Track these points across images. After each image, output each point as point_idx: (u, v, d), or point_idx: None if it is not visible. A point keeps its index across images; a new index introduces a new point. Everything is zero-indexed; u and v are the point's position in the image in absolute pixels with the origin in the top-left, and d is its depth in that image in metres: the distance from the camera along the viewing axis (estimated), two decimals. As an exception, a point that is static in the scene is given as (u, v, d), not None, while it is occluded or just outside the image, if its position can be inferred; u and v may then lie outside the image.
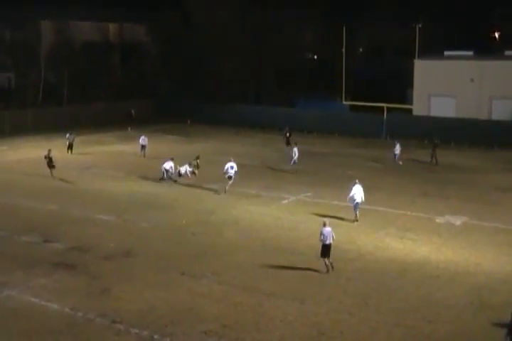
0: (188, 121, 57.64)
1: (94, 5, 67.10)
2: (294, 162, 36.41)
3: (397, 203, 29.59)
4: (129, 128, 53.24)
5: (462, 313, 17.66)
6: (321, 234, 20.53)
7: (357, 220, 26.48)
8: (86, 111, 57.04)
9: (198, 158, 35.73)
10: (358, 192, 26.29)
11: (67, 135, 42.09)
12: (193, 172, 34.17)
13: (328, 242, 20.43)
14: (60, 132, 50.09)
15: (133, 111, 57.69)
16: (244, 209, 28.60)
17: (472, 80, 51.15)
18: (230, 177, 31.07)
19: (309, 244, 23.29)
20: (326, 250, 20.47)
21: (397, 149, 39.33)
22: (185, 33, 64.51)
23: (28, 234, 24.52)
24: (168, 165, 33.34)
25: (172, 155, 34.63)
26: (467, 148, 45.73)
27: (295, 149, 36.61)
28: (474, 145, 45.88)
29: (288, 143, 43.33)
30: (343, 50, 53.94)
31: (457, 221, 26.68)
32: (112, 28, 69.60)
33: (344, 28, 52.80)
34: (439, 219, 26.94)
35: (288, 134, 44.39)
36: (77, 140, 45.96)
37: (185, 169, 33.82)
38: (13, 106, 55.52)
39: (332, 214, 27.55)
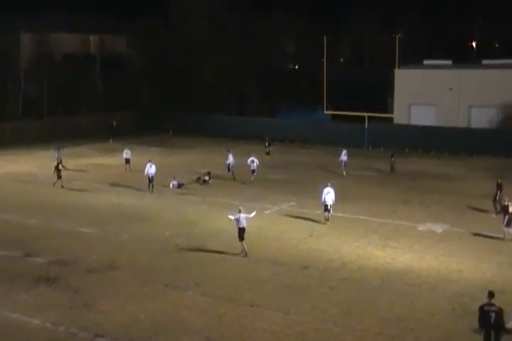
0: (171, 133, 57.58)
1: (74, 16, 66.93)
2: (254, 171, 36.62)
3: (379, 211, 29.74)
4: (111, 141, 53.07)
5: (444, 320, 17.76)
6: (237, 219, 23.12)
7: (328, 220, 27.71)
8: (67, 123, 56.76)
9: (209, 173, 36.23)
10: (328, 195, 27.66)
11: (56, 152, 39.47)
12: (179, 186, 34.25)
13: (241, 226, 23.00)
14: (40, 145, 49.98)
15: (114, 123, 57.50)
16: (226, 220, 28.49)
17: (451, 89, 51.68)
18: (253, 171, 35.32)
19: (292, 254, 23.36)
20: (241, 233, 23.02)
21: (343, 155, 39.20)
22: (166, 44, 64.57)
23: (8, 248, 24.27)
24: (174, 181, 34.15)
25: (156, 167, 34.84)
26: (447, 155, 46.14)
27: (252, 160, 36.75)
28: (454, 153, 46.30)
29: (268, 153, 43.61)
30: (324, 60, 54.30)
31: (438, 228, 26.87)
32: (93, 39, 69.45)
33: (325, 38, 53.18)
34: (420, 227, 27.12)
35: (268, 144, 44.60)
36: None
37: (173, 183, 34.11)
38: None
39: (314, 224, 27.67)
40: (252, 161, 36.34)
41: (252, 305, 18.81)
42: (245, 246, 23.11)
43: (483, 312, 14.83)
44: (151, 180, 34.19)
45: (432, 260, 22.84)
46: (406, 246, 24.51)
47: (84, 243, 25.16)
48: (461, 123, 50.63)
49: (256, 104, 66.17)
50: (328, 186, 28.23)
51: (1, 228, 27.43)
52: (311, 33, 68.90)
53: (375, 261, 22.72)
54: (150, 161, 34.98)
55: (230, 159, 37.86)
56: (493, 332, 14.84)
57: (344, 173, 38.90)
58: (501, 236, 25.03)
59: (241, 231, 23.08)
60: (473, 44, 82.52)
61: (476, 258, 23.06)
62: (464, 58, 64.75)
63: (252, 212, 23.84)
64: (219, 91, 63.40)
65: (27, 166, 42.52)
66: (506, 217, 24.82)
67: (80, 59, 63.46)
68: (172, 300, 19.31)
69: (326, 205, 27.78)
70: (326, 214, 27.90)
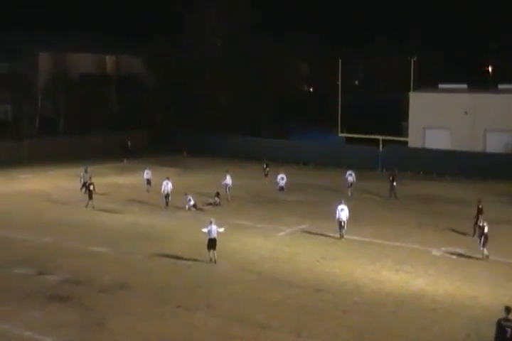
0: (185, 153, 57.78)
1: (90, 37, 67.78)
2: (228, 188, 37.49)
3: (393, 235, 29.55)
4: (125, 160, 53.31)
5: (460, 347, 17.52)
6: (209, 231, 24.54)
7: (342, 237, 28.46)
8: (82, 142, 57.24)
9: (218, 194, 36.17)
10: (342, 212, 28.47)
11: (82, 173, 38.75)
12: (193, 206, 34.34)
13: (212, 237, 24.40)
14: (55, 164, 50.34)
15: (129, 143, 57.86)
16: (239, 241, 28.50)
17: (466, 113, 51.60)
18: (281, 188, 35.09)
19: (305, 277, 23.21)
20: (211, 243, 24.49)
21: (348, 175, 39.41)
22: (182, 65, 65.09)
23: (21, 267, 24.33)
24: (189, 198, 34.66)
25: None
26: (462, 180, 45.85)
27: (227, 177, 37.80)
28: (469, 177, 45.99)
29: (266, 175, 44.06)
30: (339, 82, 54.46)
31: (453, 253, 26.60)
32: (109, 59, 70.21)
33: (340, 60, 53.38)
34: (435, 252, 26.88)
35: (266, 166, 44.71)
36: (72, 172, 45.98)
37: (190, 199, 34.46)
38: (9, 138, 55.65)
39: (328, 247, 27.52)
40: (282, 178, 37.45)
41: (263, 327, 18.67)
42: (215, 255, 24.66)
43: (500, 327, 14.98)
44: (167, 196, 35.15)
45: (447, 285, 22.61)
46: (420, 270, 24.29)
47: (97, 262, 25.17)
48: (477, 148, 50.42)
49: (270, 126, 66.34)
50: (342, 203, 29.02)
51: (16, 246, 27.52)
52: (325, 55, 69.32)
53: (389, 285, 22.52)
54: (167, 178, 35.82)
55: (228, 180, 38.00)
56: None
57: (349, 193, 38.99)
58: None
59: (211, 241, 24.61)
60: (489, 68, 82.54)
61: (492, 284, 22.79)
62: (479, 82, 64.67)
63: (222, 227, 25.36)
64: (232, 113, 63.69)
65: (42, 185, 42.75)
66: (482, 238, 25.53)
67: (96, 78, 64.16)
68: (183, 321, 19.21)
69: (340, 222, 28.56)
70: (341, 231, 28.60)
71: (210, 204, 35.84)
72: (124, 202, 36.68)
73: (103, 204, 35.98)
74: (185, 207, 34.38)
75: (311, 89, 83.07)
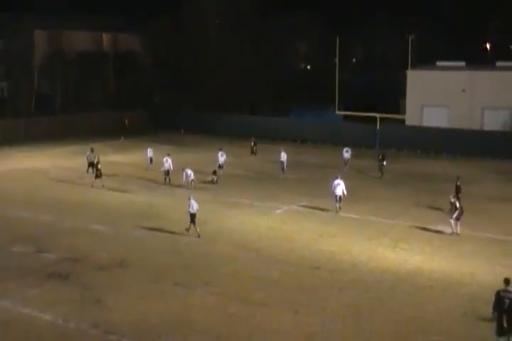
0: (182, 131, 57.66)
1: (87, 14, 67.21)
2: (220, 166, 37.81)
3: (390, 213, 29.64)
4: (122, 138, 53.20)
5: (456, 324, 17.67)
6: (189, 205, 25.45)
7: (339, 209, 29.14)
8: (79, 120, 57.04)
9: (215, 172, 36.25)
10: (338, 186, 29.07)
11: (88, 153, 38.51)
12: (192, 181, 34.34)
13: (192, 211, 25.26)
14: (53, 142, 50.26)
15: (126, 121, 57.69)
16: (237, 219, 28.58)
17: (464, 90, 51.44)
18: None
19: (303, 255, 23.32)
20: (192, 218, 25.21)
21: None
22: (180, 43, 64.66)
23: (20, 245, 24.41)
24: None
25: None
26: (459, 158, 45.89)
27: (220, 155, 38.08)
28: (466, 155, 46.02)
29: (253, 153, 44.42)
30: (336, 60, 54.17)
31: (450, 231, 26.70)
32: (106, 37, 69.63)
33: (337, 38, 53.04)
34: (431, 229, 26.98)
35: (253, 144, 44.75)
36: (70, 150, 45.99)
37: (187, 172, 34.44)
38: (5, 116, 55.44)
39: (325, 224, 27.62)
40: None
41: (261, 305, 18.80)
42: (197, 229, 25.35)
43: (499, 298, 15.48)
44: (167, 173, 35.49)
45: (443, 262, 22.73)
46: (417, 247, 24.41)
47: (95, 240, 25.25)
48: (474, 126, 50.35)
49: (268, 104, 66.13)
50: (338, 178, 29.64)
51: (14, 224, 27.58)
52: (323, 33, 68.87)
53: (386, 263, 22.64)
54: (168, 155, 36.18)
55: (220, 158, 38.24)
56: (505, 317, 15.28)
57: (345, 169, 39.62)
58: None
59: (192, 216, 25.40)
60: (487, 46, 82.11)
61: (489, 261, 22.91)
62: (477, 60, 64.34)
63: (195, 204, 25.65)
64: (231, 91, 63.43)
65: (40, 163, 42.72)
66: (457, 212, 25.88)
67: (94, 57, 63.71)
68: (181, 298, 19.34)
69: (336, 196, 29.20)
70: (337, 204, 29.24)
71: (208, 182, 35.85)
72: (122, 180, 36.69)
73: (101, 182, 35.93)
74: (182, 184, 34.21)
75: (309, 67, 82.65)
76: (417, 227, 27.28)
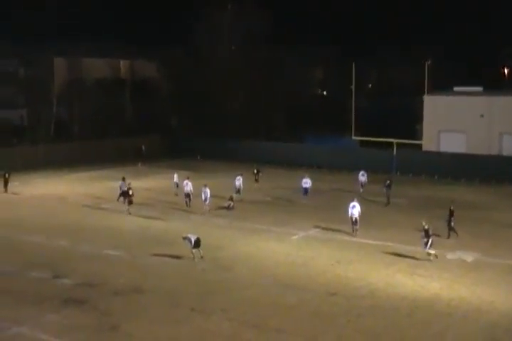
0: (198, 157, 57.90)
1: (105, 42, 68.15)
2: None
3: (407, 239, 29.34)
4: (139, 164, 53.52)
5: (475, 352, 17.39)
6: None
7: (356, 232, 29.38)
8: (97, 146, 57.43)
9: (231, 198, 36.32)
10: (354, 208, 29.29)
11: (120, 182, 37.67)
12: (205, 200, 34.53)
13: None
14: (70, 168, 50.64)
15: (143, 147, 58.07)
16: (254, 244, 28.50)
17: (482, 116, 51.33)
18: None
19: (320, 281, 23.16)
20: (197, 243, 25.21)
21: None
22: (195, 69, 65.24)
23: (37, 270, 24.48)
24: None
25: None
26: (478, 184, 45.55)
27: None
28: (485, 181, 45.66)
29: (256, 181, 44.11)
30: (353, 86, 54.36)
31: (469, 257, 26.43)
32: (123, 64, 70.60)
33: (354, 64, 53.29)
34: (449, 256, 26.70)
35: (256, 171, 44.70)
36: (88, 176, 46.16)
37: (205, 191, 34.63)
38: (25, 143, 56.06)
39: (342, 250, 27.44)
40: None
41: (277, 332, 18.64)
42: (201, 251, 25.58)
43: None
44: (187, 196, 35.97)
45: (462, 289, 22.45)
46: (435, 274, 24.14)
47: (111, 266, 25.26)
48: (492, 151, 50.09)
49: (284, 130, 66.29)
50: (354, 200, 29.92)
51: (31, 249, 27.69)
52: (340, 58, 69.22)
53: (404, 289, 22.40)
54: (187, 178, 36.69)
55: (238, 182, 38.65)
56: None
57: (361, 190, 40.08)
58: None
59: (197, 242, 25.44)
60: (505, 71, 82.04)
61: (509, 289, 22.57)
62: (495, 85, 64.27)
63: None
64: (246, 117, 63.71)
65: (58, 188, 43.03)
66: (430, 240, 25.75)
67: (111, 83, 64.56)
68: (197, 325, 19.22)
69: (352, 218, 29.35)
70: (353, 227, 29.50)
71: (224, 207, 35.86)
72: (138, 206, 36.75)
73: (118, 207, 36.11)
74: (202, 210, 34.54)
75: (325, 93, 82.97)
76: (435, 254, 26.97)
